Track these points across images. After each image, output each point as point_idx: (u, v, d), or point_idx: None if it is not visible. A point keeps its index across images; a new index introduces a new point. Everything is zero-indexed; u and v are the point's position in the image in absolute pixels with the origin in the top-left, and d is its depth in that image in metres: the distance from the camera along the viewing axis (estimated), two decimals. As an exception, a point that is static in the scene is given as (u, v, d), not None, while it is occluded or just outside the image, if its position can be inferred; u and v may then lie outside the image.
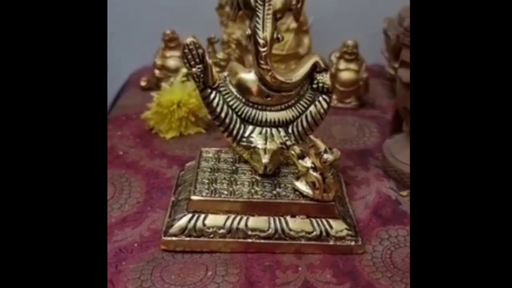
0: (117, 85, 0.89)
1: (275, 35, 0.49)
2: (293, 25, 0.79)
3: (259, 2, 0.48)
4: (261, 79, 0.50)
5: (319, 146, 0.46)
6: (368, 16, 0.84)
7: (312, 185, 0.48)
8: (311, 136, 0.47)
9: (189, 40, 0.51)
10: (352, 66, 0.77)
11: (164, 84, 0.73)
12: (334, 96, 0.79)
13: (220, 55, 0.75)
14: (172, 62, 0.81)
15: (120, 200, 0.55)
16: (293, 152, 0.48)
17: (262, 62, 0.49)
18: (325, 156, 0.46)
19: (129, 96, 0.82)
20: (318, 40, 0.82)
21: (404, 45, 0.56)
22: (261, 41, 0.48)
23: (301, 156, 0.48)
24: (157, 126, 0.69)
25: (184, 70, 0.81)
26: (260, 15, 0.48)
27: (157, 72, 0.82)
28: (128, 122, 0.73)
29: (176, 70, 0.80)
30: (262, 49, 0.49)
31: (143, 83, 0.83)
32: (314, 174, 0.47)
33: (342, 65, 0.77)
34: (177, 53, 0.82)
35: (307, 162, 0.47)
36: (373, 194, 0.57)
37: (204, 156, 0.55)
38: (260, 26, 0.48)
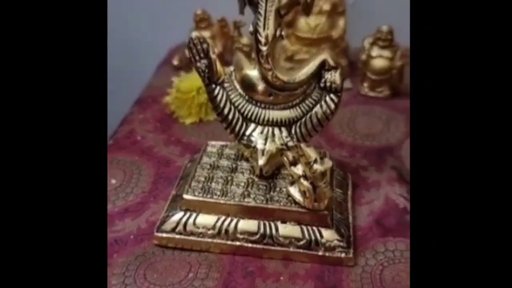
0: (156, 63, 0.89)
1: (278, 33, 0.47)
2: (326, 7, 0.75)
3: None
4: (263, 77, 0.49)
5: (309, 156, 0.44)
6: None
7: (303, 193, 0.46)
8: (302, 145, 0.45)
9: (193, 34, 0.50)
10: (386, 53, 0.72)
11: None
12: (365, 84, 0.76)
13: (245, 40, 0.73)
14: (202, 43, 0.80)
15: (127, 189, 0.57)
16: (285, 158, 0.47)
17: (262, 61, 0.47)
18: (315, 166, 0.44)
19: (161, 75, 0.83)
20: (355, 23, 0.77)
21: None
22: (262, 40, 0.46)
23: (294, 163, 0.46)
24: (178, 111, 0.70)
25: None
26: (262, 12, 0.46)
27: (187, 52, 0.81)
28: (152, 105, 0.74)
29: (205, 51, 0.79)
30: (263, 48, 0.47)
31: (175, 62, 0.84)
32: (305, 183, 0.45)
33: (375, 52, 0.72)
34: (208, 33, 0.81)
35: (299, 170, 0.46)
36: (380, 199, 0.55)
37: (208, 151, 0.55)
38: (261, 23, 0.46)
